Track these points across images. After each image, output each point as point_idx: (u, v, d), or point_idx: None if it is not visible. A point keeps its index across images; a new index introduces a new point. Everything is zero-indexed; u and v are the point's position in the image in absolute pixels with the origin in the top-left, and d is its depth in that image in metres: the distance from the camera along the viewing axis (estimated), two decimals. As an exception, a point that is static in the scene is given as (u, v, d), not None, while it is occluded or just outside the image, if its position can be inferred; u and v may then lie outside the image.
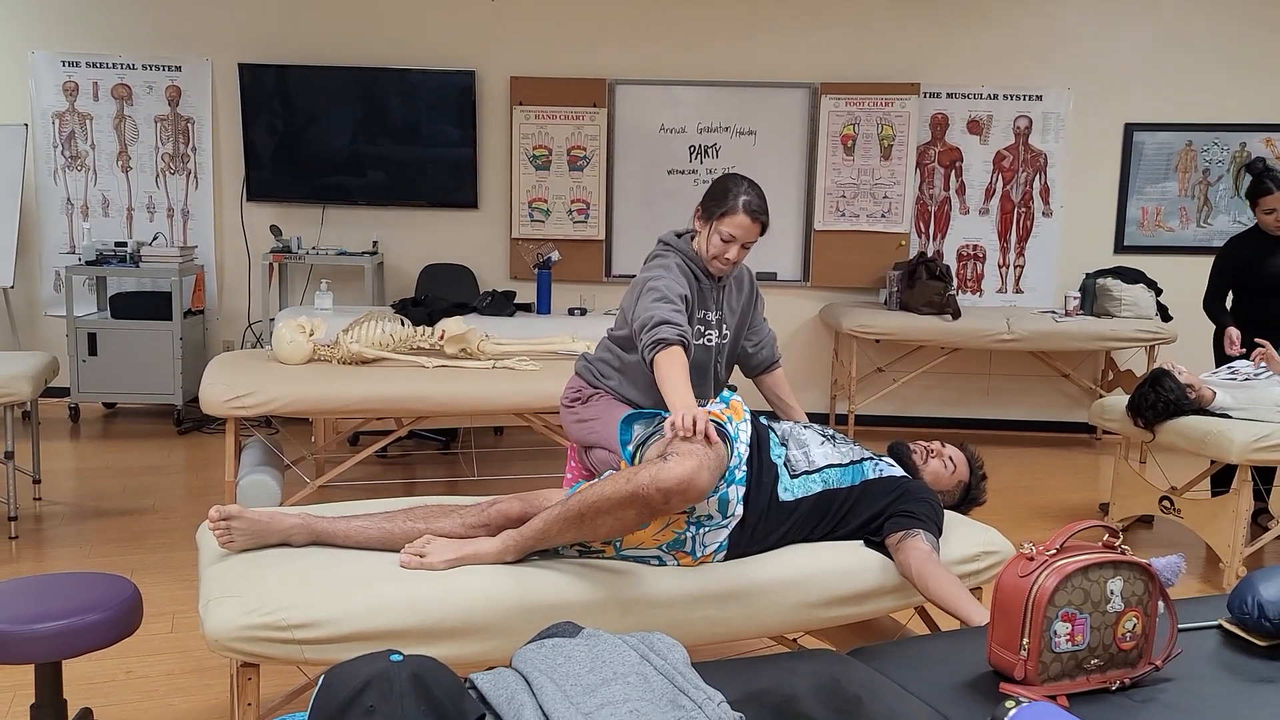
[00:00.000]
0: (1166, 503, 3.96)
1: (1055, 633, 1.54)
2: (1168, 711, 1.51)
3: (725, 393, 2.61)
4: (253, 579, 2.09)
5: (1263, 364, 3.89)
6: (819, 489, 2.46)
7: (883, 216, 6.05)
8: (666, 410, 2.40)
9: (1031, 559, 1.57)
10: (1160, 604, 1.64)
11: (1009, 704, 1.32)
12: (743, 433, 2.42)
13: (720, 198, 2.72)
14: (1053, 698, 1.53)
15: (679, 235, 2.87)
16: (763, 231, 2.74)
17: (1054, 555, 1.57)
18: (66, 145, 5.91)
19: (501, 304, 5.05)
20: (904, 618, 2.81)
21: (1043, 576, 1.54)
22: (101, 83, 5.88)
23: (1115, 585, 1.57)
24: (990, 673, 1.63)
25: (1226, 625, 1.80)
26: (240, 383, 3.57)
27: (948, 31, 6.00)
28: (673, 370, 2.49)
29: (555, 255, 5.37)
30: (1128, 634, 1.58)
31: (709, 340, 2.87)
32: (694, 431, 2.17)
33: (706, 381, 2.89)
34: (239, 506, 2.23)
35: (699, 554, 2.30)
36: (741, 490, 2.33)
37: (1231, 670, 1.65)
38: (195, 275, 5.87)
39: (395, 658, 1.26)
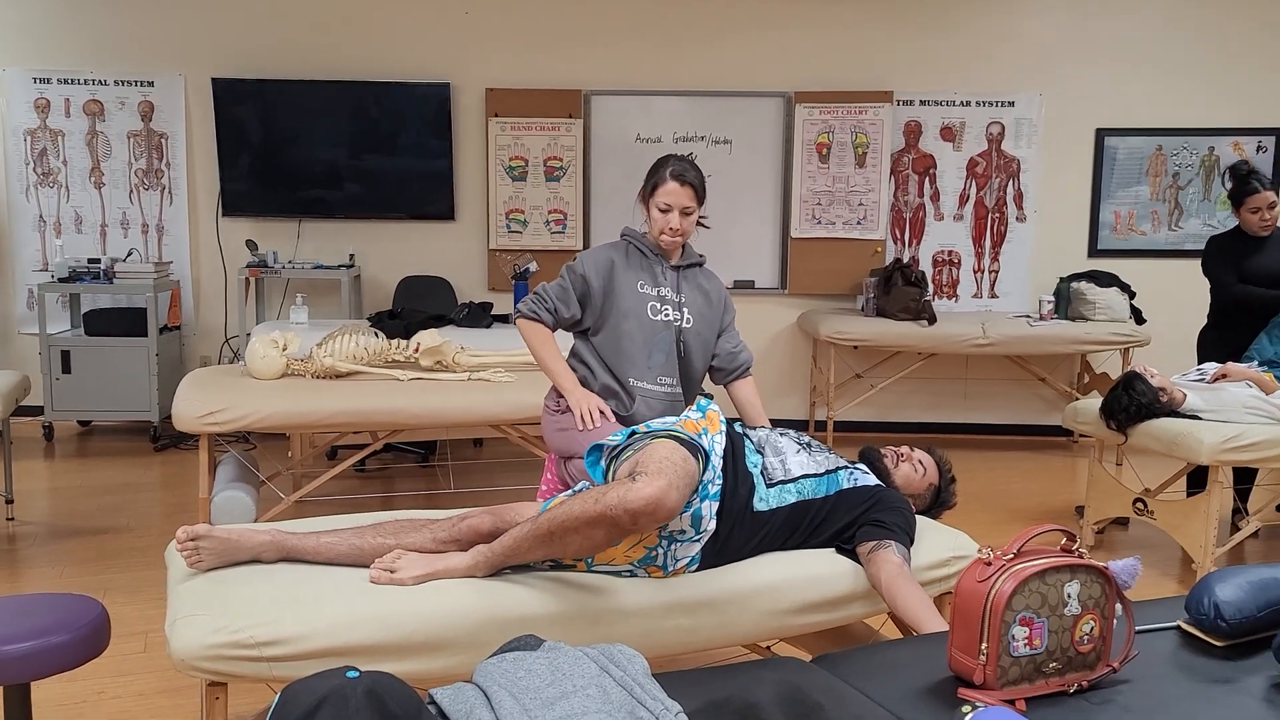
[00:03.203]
0: (1140, 504, 4.00)
1: (1013, 637, 1.55)
2: (1124, 713, 1.53)
3: (702, 401, 2.62)
4: (220, 596, 2.08)
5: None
6: (793, 499, 2.46)
7: (858, 223, 6.09)
8: (630, 430, 2.40)
9: (989, 564, 1.59)
10: (1118, 606, 1.66)
11: (965, 709, 1.33)
12: (717, 445, 2.42)
13: (650, 175, 2.92)
14: (1011, 702, 1.54)
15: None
16: (698, 197, 2.89)
17: (1011, 560, 1.58)
18: (38, 162, 5.89)
19: (478, 315, 5.05)
20: (878, 623, 2.82)
21: (1000, 581, 1.55)
22: (73, 99, 5.86)
23: (1072, 589, 1.59)
24: (951, 678, 1.64)
25: (1184, 626, 1.82)
26: (213, 399, 3.56)
27: (920, 39, 6.05)
28: (543, 350, 2.90)
29: (533, 266, 5.37)
30: (1085, 637, 1.59)
31: (667, 316, 2.92)
32: (594, 422, 2.71)
33: (671, 361, 2.93)
34: (207, 526, 2.22)
35: (670, 568, 2.30)
36: (715, 505, 2.33)
37: (1188, 671, 1.67)
38: (171, 291, 5.84)
39: (351, 674, 1.26)
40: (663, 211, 2.86)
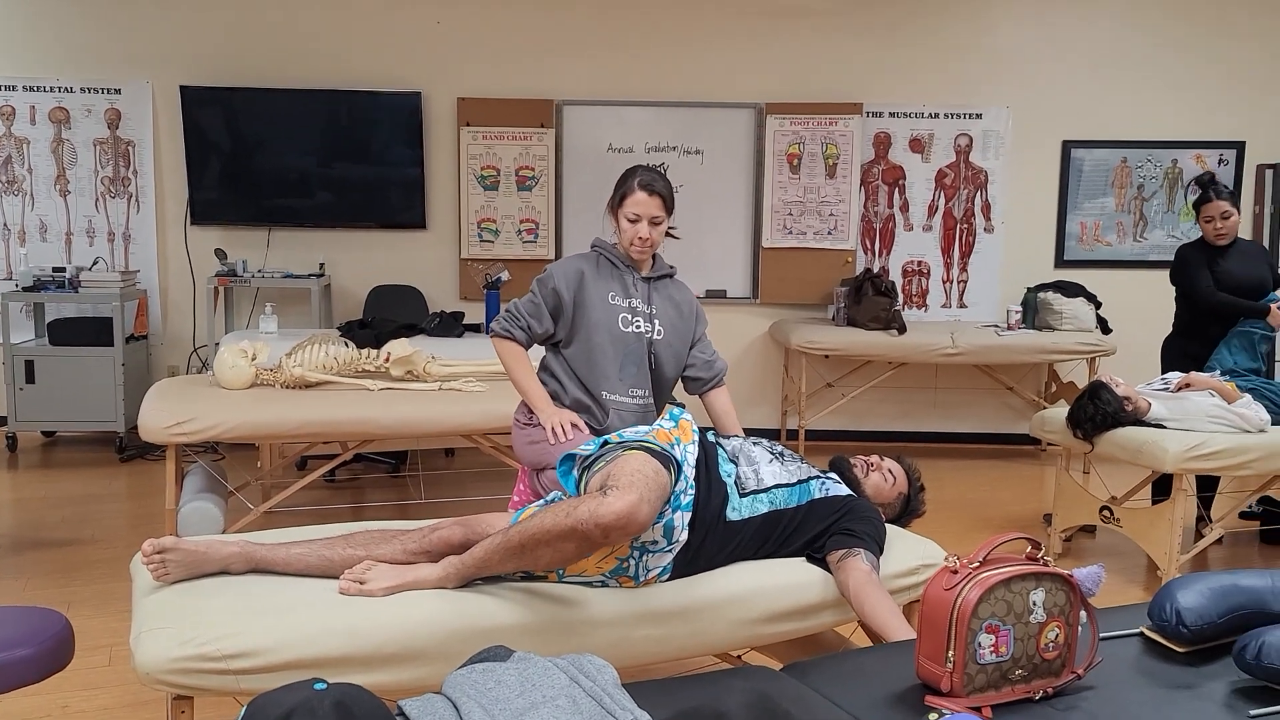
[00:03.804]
0: (1106, 512, 4.05)
1: (979, 644, 1.57)
2: (1088, 719, 1.55)
3: (675, 410, 2.62)
4: (187, 609, 2.06)
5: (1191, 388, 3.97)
6: (766, 509, 2.47)
7: (829, 234, 6.13)
8: (602, 440, 2.40)
9: (955, 572, 1.60)
10: (1082, 613, 1.68)
11: (932, 716, 1.35)
12: (690, 455, 2.42)
13: (618, 186, 2.94)
14: (977, 709, 1.56)
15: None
16: (667, 207, 2.91)
17: (977, 568, 1.60)
18: (3, 170, 5.81)
19: (450, 325, 5.04)
20: (848, 631, 2.84)
21: (966, 589, 1.57)
22: (39, 106, 5.79)
23: (1037, 596, 1.61)
24: (919, 686, 1.65)
25: (1147, 633, 1.84)
26: (180, 409, 3.52)
27: (889, 52, 6.12)
28: (517, 368, 2.92)
29: (505, 275, 5.36)
30: (1050, 644, 1.61)
31: (638, 327, 2.93)
32: (566, 434, 2.75)
33: (643, 373, 2.94)
34: (173, 538, 2.19)
35: (642, 578, 2.30)
36: (687, 516, 2.33)
37: (1151, 677, 1.69)
38: (138, 300, 5.78)
39: (319, 686, 1.25)
40: (631, 222, 2.88)
